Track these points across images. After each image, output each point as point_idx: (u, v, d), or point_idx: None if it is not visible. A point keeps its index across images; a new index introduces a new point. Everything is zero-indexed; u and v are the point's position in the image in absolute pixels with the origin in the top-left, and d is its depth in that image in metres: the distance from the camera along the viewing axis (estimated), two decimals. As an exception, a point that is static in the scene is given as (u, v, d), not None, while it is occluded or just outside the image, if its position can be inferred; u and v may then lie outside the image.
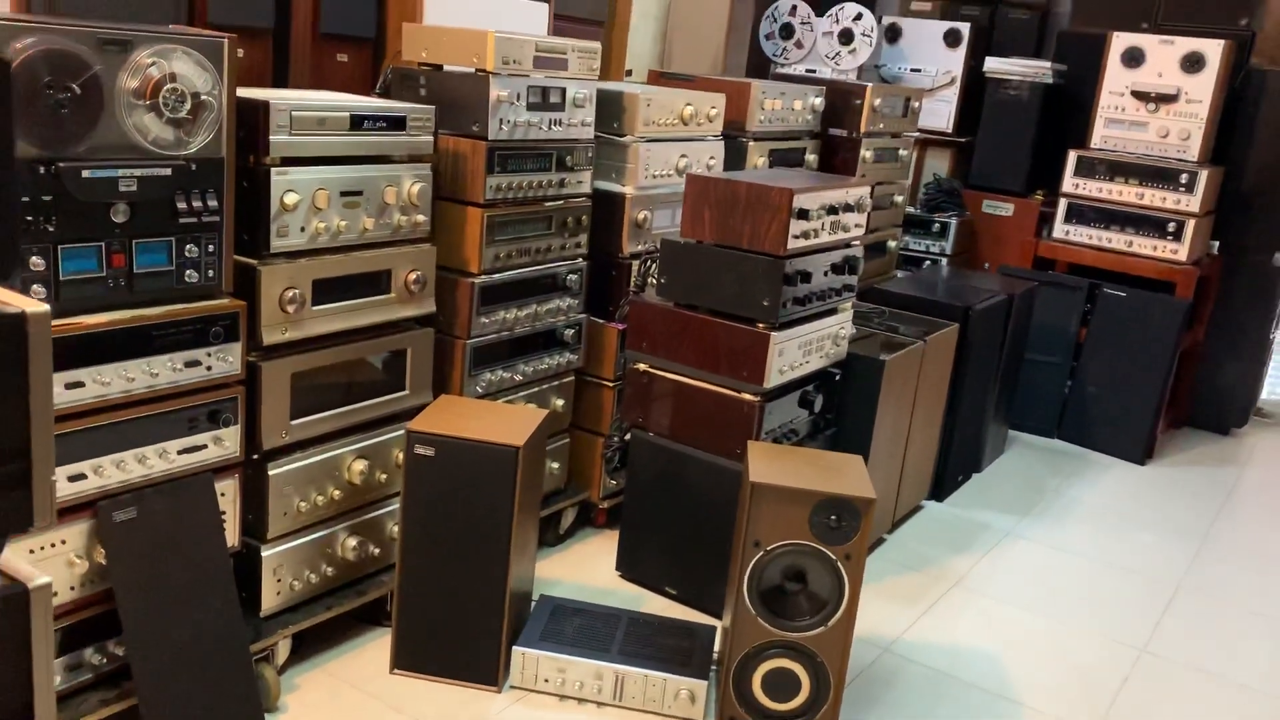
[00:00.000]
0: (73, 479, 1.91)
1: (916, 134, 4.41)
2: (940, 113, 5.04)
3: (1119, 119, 4.51)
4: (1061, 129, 4.85)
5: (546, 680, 2.46)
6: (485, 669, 2.46)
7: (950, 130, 5.03)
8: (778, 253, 2.66)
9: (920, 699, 2.62)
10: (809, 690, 2.37)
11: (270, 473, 2.30)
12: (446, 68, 2.74)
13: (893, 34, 5.15)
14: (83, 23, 1.84)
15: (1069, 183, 4.60)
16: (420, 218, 2.51)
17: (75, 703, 1.98)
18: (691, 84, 3.61)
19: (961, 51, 4.97)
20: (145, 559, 2.01)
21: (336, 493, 2.46)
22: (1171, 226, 4.40)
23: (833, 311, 2.97)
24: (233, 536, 2.23)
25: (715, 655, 2.57)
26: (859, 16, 4.55)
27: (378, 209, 2.41)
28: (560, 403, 3.09)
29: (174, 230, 2.01)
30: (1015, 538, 3.61)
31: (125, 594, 1.97)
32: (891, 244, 4.38)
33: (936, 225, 4.81)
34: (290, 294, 2.24)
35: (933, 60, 5.03)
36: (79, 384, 1.89)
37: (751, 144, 3.57)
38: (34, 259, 1.82)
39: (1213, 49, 4.29)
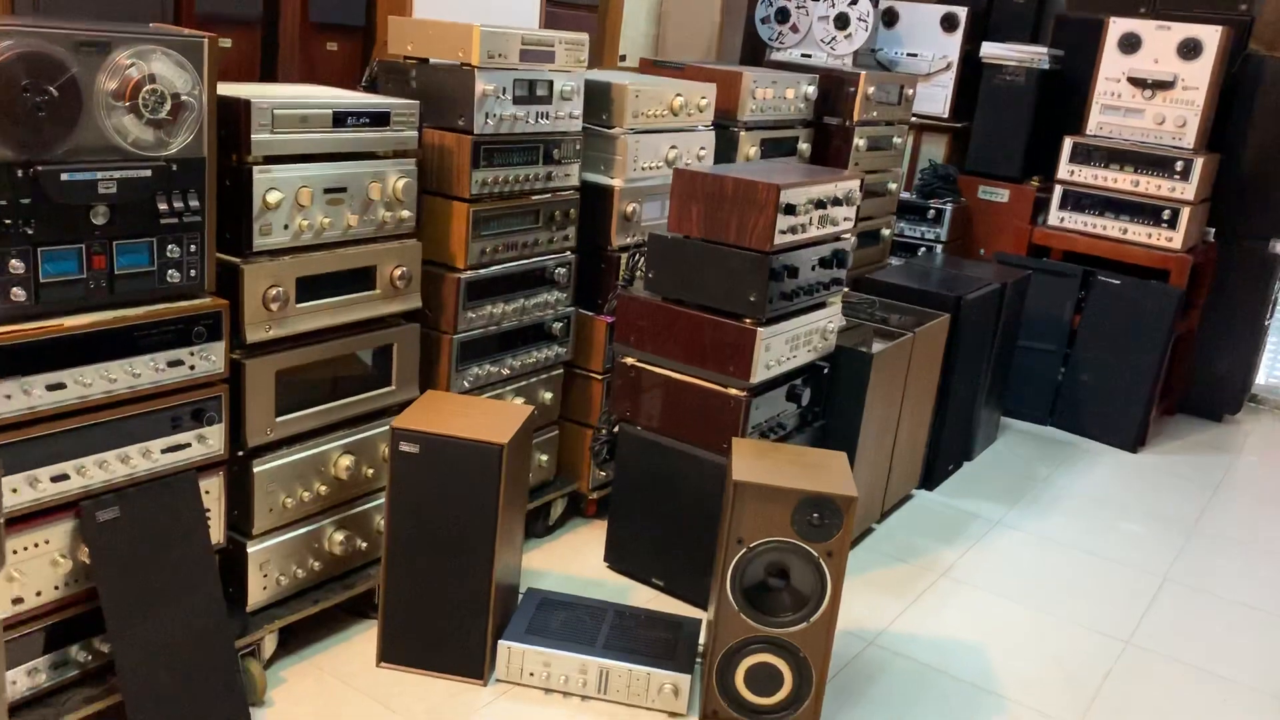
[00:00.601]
0: (55, 479, 1.92)
1: (911, 121, 4.39)
2: (937, 98, 5.01)
3: (1115, 105, 4.48)
4: (1058, 115, 4.82)
5: (532, 674, 2.48)
6: (471, 663, 2.48)
7: (947, 116, 5.00)
8: (764, 248, 2.65)
9: (904, 693, 2.64)
10: (791, 685, 2.39)
11: (255, 470, 2.31)
12: (432, 61, 2.73)
13: (889, 18, 5.11)
14: (60, 24, 1.83)
15: (1064, 169, 4.58)
16: (405, 213, 2.51)
17: (60, 699, 2.00)
18: (682, 73, 3.60)
19: (958, 36, 4.93)
20: (129, 557, 2.02)
21: (323, 488, 2.47)
22: (1166, 214, 4.38)
23: (821, 305, 2.97)
24: (218, 533, 2.24)
25: (700, 648, 2.59)
26: (855, 1, 4.51)
27: (362, 205, 2.41)
28: (549, 396, 3.10)
29: (155, 231, 2.01)
30: (1004, 527, 3.63)
31: (109, 592, 1.99)
32: (885, 232, 4.37)
33: (931, 212, 4.80)
34: (274, 292, 2.25)
35: (929, 45, 5.00)
36: (60, 385, 1.90)
37: (743, 134, 3.56)
38: (13, 262, 1.82)
39: (1210, 35, 4.26)
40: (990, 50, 4.86)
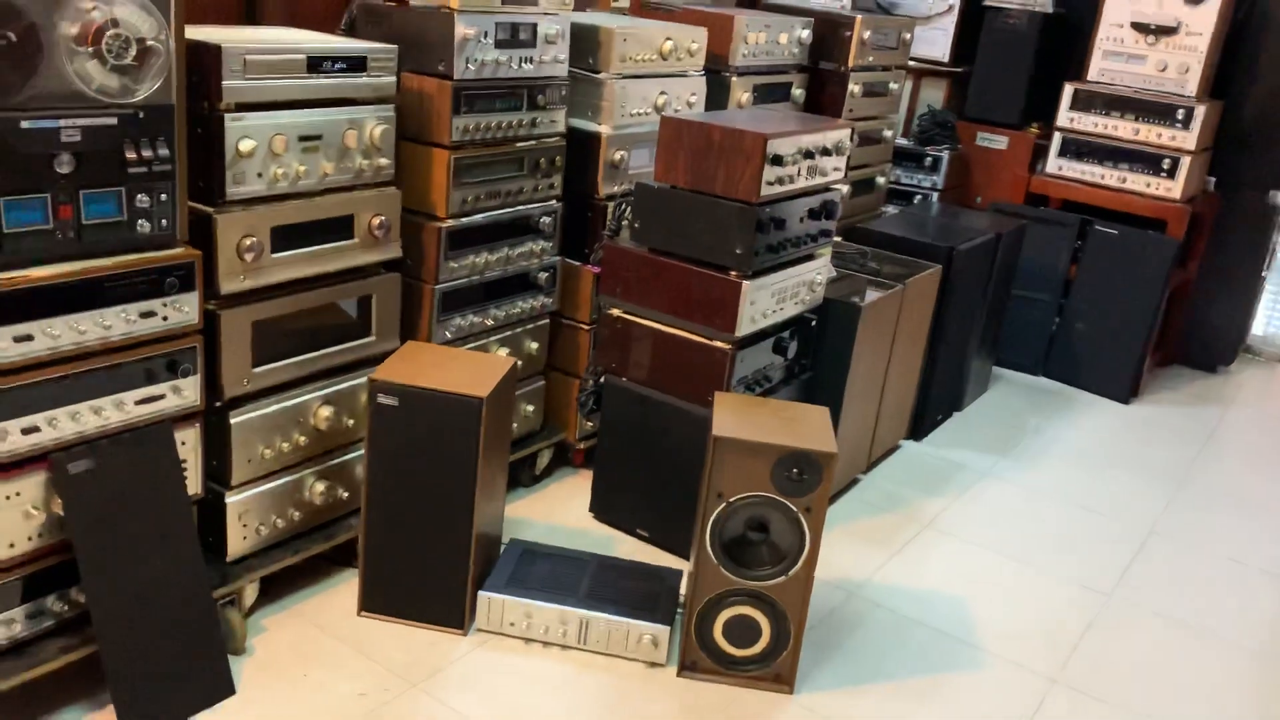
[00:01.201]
0: (26, 431, 1.91)
1: (909, 66, 4.30)
2: (938, 42, 4.91)
3: (1117, 51, 4.39)
4: (1060, 61, 4.73)
5: (512, 624, 2.49)
6: (451, 612, 2.49)
7: (947, 60, 4.91)
8: (751, 200, 2.61)
9: (881, 643, 2.66)
10: (769, 637, 2.40)
11: (233, 421, 2.30)
12: (412, 3, 2.66)
13: (890, -42, 4.98)
14: (18, -34, 1.78)
15: (1064, 117, 4.51)
16: (383, 161, 2.46)
17: (36, 649, 2.01)
18: (674, 16, 3.52)
19: (961, -22, 4.82)
20: (103, 509, 2.02)
21: (303, 439, 2.46)
22: (1166, 163, 4.32)
23: (809, 257, 2.93)
24: (196, 484, 2.23)
25: (681, 599, 2.60)
26: (853, -59, 4.40)
27: (338, 153, 2.36)
28: (535, 346, 3.07)
29: (123, 180, 1.97)
30: (991, 478, 3.63)
31: (83, 543, 1.99)
32: (880, 180, 4.31)
33: (929, 159, 4.73)
34: (248, 242, 2.21)
35: (930, -14, 4.88)
36: (28, 337, 1.87)
37: (735, 79, 3.49)
38: (-24, 212, 1.79)
39: (1217, -21, 4.16)
40: (992, -8, 4.76)
